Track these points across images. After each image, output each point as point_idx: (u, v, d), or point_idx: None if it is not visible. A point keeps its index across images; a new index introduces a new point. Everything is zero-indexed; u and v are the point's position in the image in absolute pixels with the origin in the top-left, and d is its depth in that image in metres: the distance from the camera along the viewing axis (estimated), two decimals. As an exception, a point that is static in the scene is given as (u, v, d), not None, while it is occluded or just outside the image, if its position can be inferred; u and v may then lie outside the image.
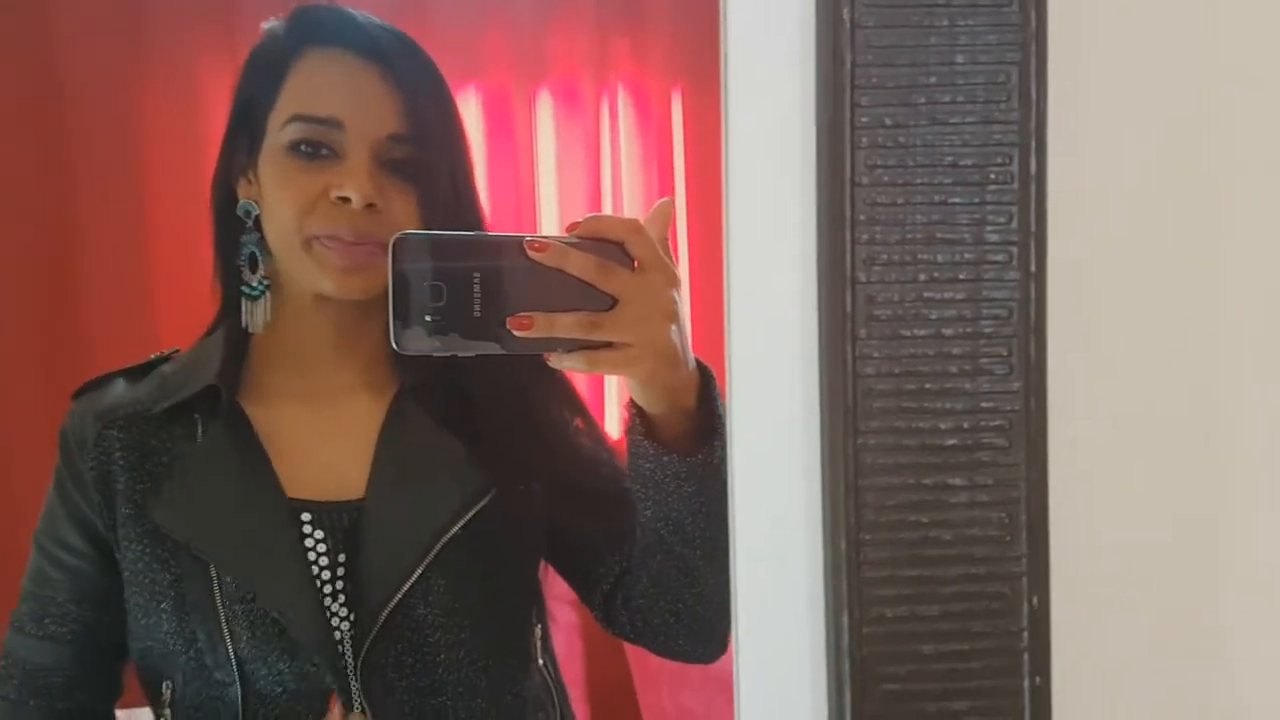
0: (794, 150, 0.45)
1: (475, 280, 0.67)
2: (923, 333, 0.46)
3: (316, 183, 0.85)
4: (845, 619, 0.46)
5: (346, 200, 0.84)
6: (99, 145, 3.02)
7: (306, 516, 0.88)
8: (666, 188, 3.54)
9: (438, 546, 0.87)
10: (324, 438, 0.92)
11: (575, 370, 0.71)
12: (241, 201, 0.92)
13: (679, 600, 0.85)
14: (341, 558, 0.88)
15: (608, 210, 3.54)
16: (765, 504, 0.47)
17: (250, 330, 0.92)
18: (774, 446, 0.46)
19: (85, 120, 2.91)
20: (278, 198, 0.87)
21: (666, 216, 0.74)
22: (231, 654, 0.85)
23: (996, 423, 0.46)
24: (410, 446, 0.91)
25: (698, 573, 0.82)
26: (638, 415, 0.77)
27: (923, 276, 0.46)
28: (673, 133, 3.59)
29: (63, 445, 0.93)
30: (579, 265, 0.68)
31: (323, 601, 0.87)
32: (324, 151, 0.86)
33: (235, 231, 0.93)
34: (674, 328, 0.71)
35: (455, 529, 0.88)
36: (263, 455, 0.90)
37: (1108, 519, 0.48)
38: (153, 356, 0.98)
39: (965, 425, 0.46)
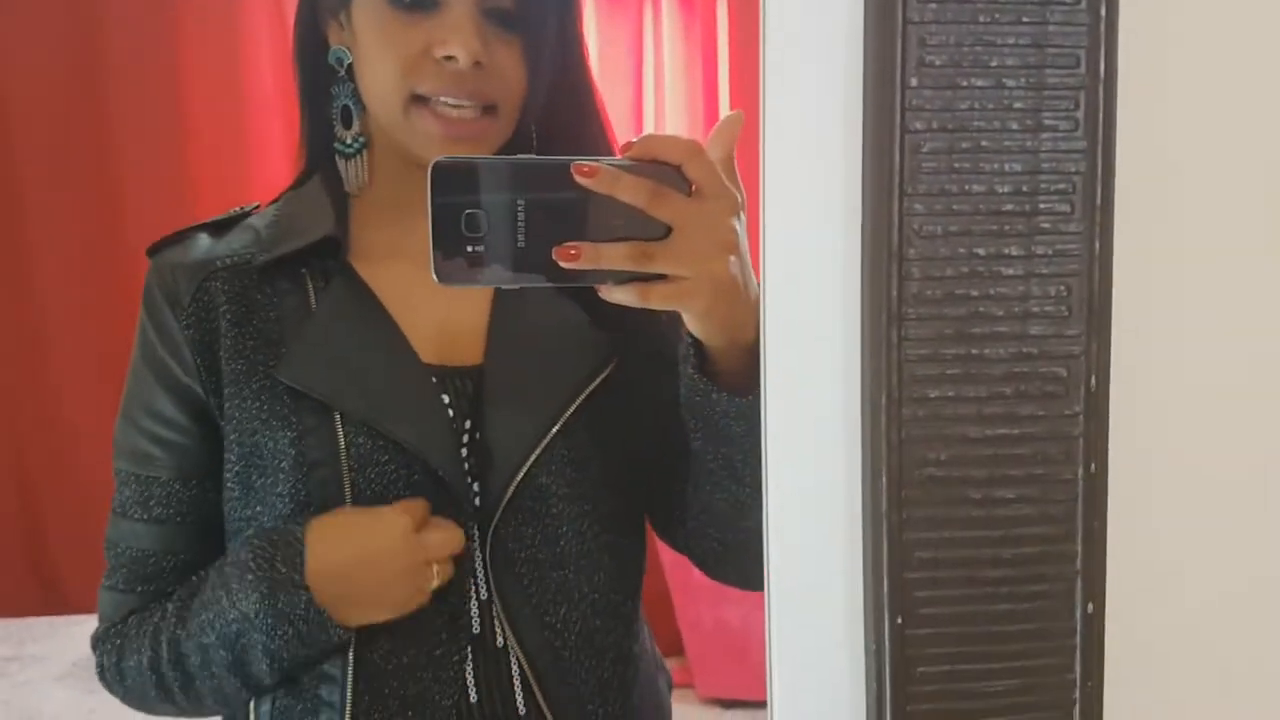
0: None
1: (519, 208, 0.63)
2: (981, 82, 0.41)
3: (417, 38, 0.79)
4: (883, 398, 0.42)
5: (451, 59, 0.78)
6: (134, 20, 3.00)
7: (432, 380, 0.84)
8: (711, 93, 3.47)
9: (565, 415, 0.83)
10: (433, 298, 0.85)
11: (626, 304, 0.66)
12: (333, 48, 0.85)
13: (727, 530, 0.81)
14: (467, 425, 0.83)
15: (649, 120, 3.48)
16: (797, 274, 0.43)
17: (346, 191, 0.87)
18: (808, 207, 0.42)
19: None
20: (375, 54, 0.81)
21: (733, 134, 0.68)
22: None
23: (1059, 186, 0.42)
24: (529, 311, 0.86)
25: (746, 508, 0.77)
26: (692, 346, 0.72)
27: (982, 18, 0.41)
28: (717, 36, 3.50)
29: (150, 303, 0.86)
30: (630, 190, 0.63)
31: (463, 466, 0.82)
32: (424, 1, 0.79)
33: (325, 81, 0.86)
34: (733, 259, 0.66)
35: (581, 397, 0.83)
36: (385, 313, 0.84)
37: (1177, 296, 0.44)
38: (233, 210, 0.91)
39: (1024, 188, 0.42)
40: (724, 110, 3.45)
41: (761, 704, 0.44)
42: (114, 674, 0.86)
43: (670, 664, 1.00)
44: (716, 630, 3.15)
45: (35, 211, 3.13)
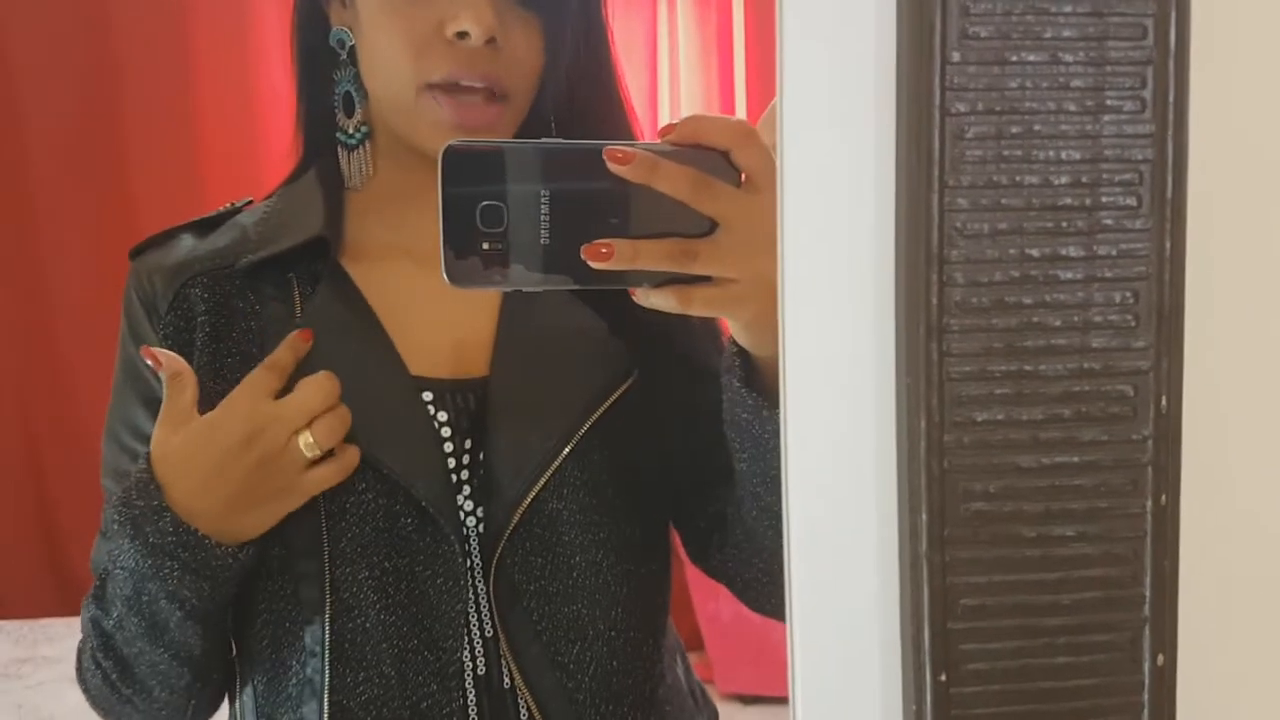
0: None
1: (543, 200, 0.57)
2: (1033, 57, 0.36)
3: (427, 15, 0.73)
4: (922, 423, 0.37)
5: (464, 35, 0.73)
6: (144, 17, 2.97)
7: (427, 396, 0.77)
8: (727, 86, 3.41)
9: (579, 433, 0.76)
10: (434, 303, 0.79)
11: (664, 309, 0.59)
12: (334, 29, 0.80)
13: (774, 558, 0.74)
14: (468, 444, 0.77)
15: (664, 111, 3.41)
16: (821, 281, 0.37)
17: (348, 186, 0.82)
18: (833, 204, 0.37)
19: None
20: (381, 35, 0.75)
21: None
22: (326, 554, 0.74)
23: (1124, 176, 0.36)
24: (541, 317, 0.79)
25: None
26: (738, 356, 0.65)
27: (1035, -17, 0.35)
28: (733, 27, 3.45)
29: (128, 311, 0.81)
30: (671, 180, 0.56)
31: (456, 494, 0.76)
32: None
33: (325, 65, 0.81)
34: None
35: (597, 414, 0.76)
36: (375, 322, 0.78)
37: (1259, 302, 0.38)
38: (224, 207, 0.86)
39: (1084, 179, 0.36)
40: (741, 101, 3.38)
41: (783, 700, 0.38)
42: (80, 681, 0.82)
43: (690, 659, 0.94)
44: (736, 625, 3.11)
45: (47, 212, 3.11)
